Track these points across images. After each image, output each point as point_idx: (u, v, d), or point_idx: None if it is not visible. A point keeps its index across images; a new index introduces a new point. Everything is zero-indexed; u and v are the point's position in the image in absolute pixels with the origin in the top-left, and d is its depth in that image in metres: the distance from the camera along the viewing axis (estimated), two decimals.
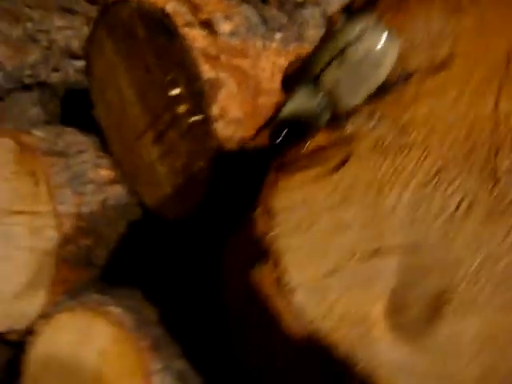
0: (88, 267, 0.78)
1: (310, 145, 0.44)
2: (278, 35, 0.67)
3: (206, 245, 0.73)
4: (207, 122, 0.65)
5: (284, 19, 0.67)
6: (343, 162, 0.45)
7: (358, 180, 0.45)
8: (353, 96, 0.40)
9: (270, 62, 0.67)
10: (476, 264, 0.41)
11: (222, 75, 0.64)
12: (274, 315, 0.49)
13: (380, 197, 0.44)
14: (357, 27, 0.39)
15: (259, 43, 0.66)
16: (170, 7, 0.63)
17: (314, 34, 0.68)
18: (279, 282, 0.48)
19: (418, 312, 0.44)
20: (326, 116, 0.40)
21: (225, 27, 0.64)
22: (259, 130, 0.54)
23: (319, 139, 0.46)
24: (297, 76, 0.44)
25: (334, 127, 0.43)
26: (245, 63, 0.65)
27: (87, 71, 0.77)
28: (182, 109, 0.66)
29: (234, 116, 0.65)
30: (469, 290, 0.42)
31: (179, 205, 0.73)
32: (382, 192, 0.44)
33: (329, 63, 0.39)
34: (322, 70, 0.40)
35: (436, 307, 0.43)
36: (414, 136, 0.42)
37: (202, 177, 0.69)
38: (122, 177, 0.78)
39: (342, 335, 0.45)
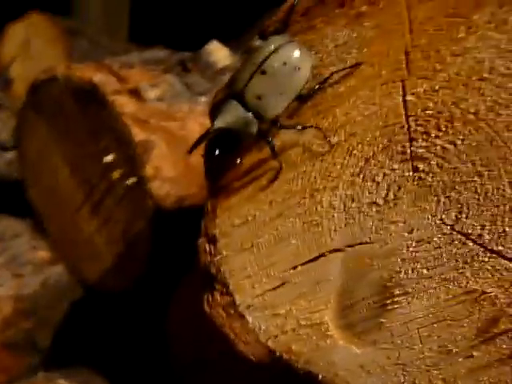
0: (31, 352, 0.75)
1: (241, 162, 0.47)
2: (203, 99, 0.71)
3: (151, 308, 0.72)
4: (142, 183, 0.67)
5: (207, 84, 0.72)
6: (275, 176, 0.48)
7: (291, 190, 0.47)
8: (275, 105, 0.43)
9: (198, 123, 0.70)
10: (411, 249, 0.44)
11: (153, 137, 0.66)
12: (229, 341, 0.49)
13: (314, 202, 0.46)
14: (272, 45, 0.43)
15: (185, 107, 0.70)
16: (97, 78, 0.66)
17: None
18: (230, 306, 0.49)
19: (366, 308, 0.45)
20: (255, 126, 0.43)
21: (151, 94, 0.68)
22: None
23: (249, 159, 0.49)
24: (216, 106, 0.47)
25: (261, 143, 0.46)
26: (173, 125, 0.68)
27: (20, 155, 0.78)
28: (116, 174, 0.68)
29: (167, 175, 0.67)
30: (409, 275, 0.44)
31: (121, 274, 0.73)
32: (315, 197, 0.46)
33: (250, 78, 0.43)
34: (245, 86, 0.43)
35: (381, 300, 0.45)
36: (337, 139, 0.45)
37: (143, 240, 0.69)
38: (61, 256, 0.78)
39: (298, 348, 0.46)
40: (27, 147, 0.77)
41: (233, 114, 0.42)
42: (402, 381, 0.43)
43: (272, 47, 0.41)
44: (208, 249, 0.50)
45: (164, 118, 0.68)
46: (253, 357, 0.49)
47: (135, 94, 0.67)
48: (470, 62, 0.40)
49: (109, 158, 0.67)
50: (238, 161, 0.43)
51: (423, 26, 0.41)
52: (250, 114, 0.42)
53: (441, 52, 0.41)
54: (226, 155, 0.44)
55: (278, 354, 0.47)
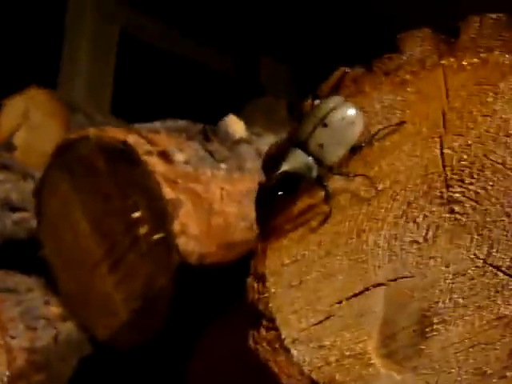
0: None
1: (296, 206, 0.52)
2: (223, 165, 0.77)
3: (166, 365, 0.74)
4: (169, 238, 0.71)
5: (226, 153, 0.78)
6: (325, 220, 0.53)
7: (339, 231, 0.53)
8: (333, 153, 0.49)
9: (219, 187, 0.76)
10: (448, 281, 0.50)
11: (181, 196, 0.71)
12: (273, 376, 0.52)
13: (360, 241, 0.52)
14: (331, 103, 0.50)
15: (208, 171, 0.75)
16: (130, 139, 0.71)
17: (251, 165, 0.79)
18: (275, 341, 0.53)
19: (406, 336, 0.50)
20: (315, 171, 0.49)
21: (179, 157, 0.73)
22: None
23: (299, 205, 0.55)
24: (276, 157, 0.54)
25: (313, 189, 0.52)
26: (198, 187, 0.74)
27: (37, 212, 0.81)
28: (143, 230, 0.72)
29: (193, 232, 0.72)
30: (446, 305, 0.49)
31: (137, 331, 0.75)
32: (361, 237, 0.52)
33: (313, 130, 0.50)
34: (309, 136, 0.50)
35: (421, 329, 0.50)
36: (382, 186, 0.51)
37: (164, 297, 0.73)
38: (72, 313, 0.80)
39: (341, 378, 0.50)
40: (47, 205, 0.80)
41: (297, 160, 0.48)
42: None
43: (331, 105, 0.49)
44: (256, 287, 0.54)
45: (191, 180, 0.73)
46: None
47: (164, 156, 0.72)
48: (498, 121, 0.48)
49: (137, 214, 0.71)
50: (296, 202, 0.49)
51: (458, 92, 0.49)
52: (312, 160, 0.48)
53: (473, 113, 0.49)
54: (286, 197, 0.49)
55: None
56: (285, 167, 0.48)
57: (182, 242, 0.70)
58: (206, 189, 0.74)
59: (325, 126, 0.49)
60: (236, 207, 0.74)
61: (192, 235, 0.71)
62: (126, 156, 0.72)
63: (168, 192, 0.70)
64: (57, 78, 1.86)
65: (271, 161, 0.53)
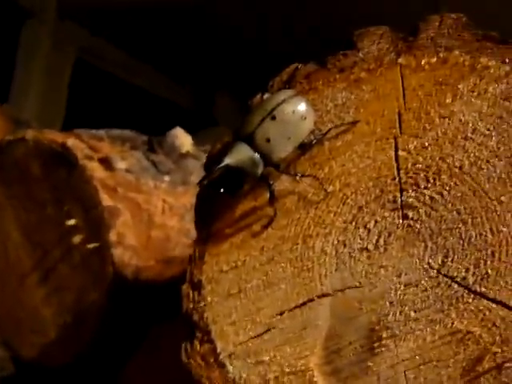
0: None
1: (239, 208, 0.48)
2: (167, 178, 0.73)
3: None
4: (104, 248, 0.66)
5: (171, 165, 0.74)
6: (269, 223, 0.49)
7: (284, 236, 0.49)
8: (281, 149, 0.46)
9: (161, 199, 0.71)
10: (399, 292, 0.46)
11: (119, 205, 0.67)
12: None
13: (306, 248, 0.48)
14: (282, 96, 0.47)
15: (151, 182, 0.71)
16: (69, 142, 0.67)
17: (197, 180, 0.75)
18: (210, 355, 0.48)
19: (353, 352, 0.46)
20: (261, 168, 0.46)
21: (121, 164, 0.69)
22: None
23: (242, 207, 0.51)
24: (219, 153, 0.50)
25: (258, 190, 0.48)
26: (139, 197, 0.69)
27: None
28: (77, 239, 0.67)
29: (130, 243, 0.67)
30: (397, 318, 0.45)
31: (66, 349, 0.69)
32: (307, 243, 0.48)
33: (260, 123, 0.46)
34: (255, 129, 0.46)
35: (369, 344, 0.46)
36: (332, 188, 0.48)
37: (96, 311, 0.67)
38: None
39: None
40: None
41: (242, 154, 0.44)
42: None
43: (282, 98, 0.45)
44: (192, 295, 0.50)
45: (131, 189, 0.69)
46: None
47: (105, 162, 0.68)
48: (456, 124, 0.45)
49: (71, 222, 0.66)
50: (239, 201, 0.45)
51: (415, 92, 0.47)
52: (257, 154, 0.45)
53: (430, 114, 0.46)
54: (227, 197, 0.46)
55: None
56: (227, 161, 0.44)
57: (117, 253, 0.65)
58: (147, 200, 0.69)
59: (273, 118, 0.46)
60: (178, 221, 0.70)
61: (129, 246, 0.66)
62: (63, 160, 0.67)
63: (106, 199, 0.66)
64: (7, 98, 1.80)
65: (214, 157, 0.49)
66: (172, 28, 2.02)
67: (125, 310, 0.67)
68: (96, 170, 0.66)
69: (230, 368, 0.48)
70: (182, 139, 0.77)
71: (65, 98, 1.89)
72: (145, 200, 0.70)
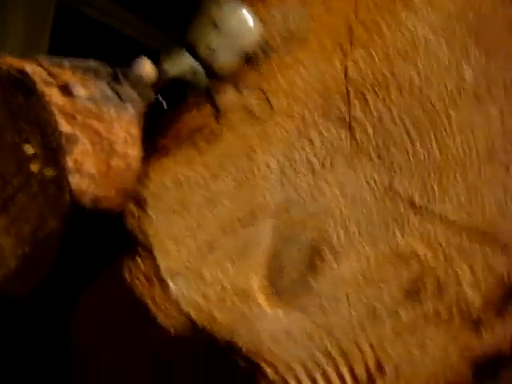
0: None
1: (184, 124, 0.47)
2: (131, 108, 0.71)
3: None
4: (61, 176, 0.65)
5: (135, 95, 0.72)
6: (214, 139, 0.48)
7: (229, 153, 0.47)
8: (225, 61, 0.44)
9: (124, 129, 0.70)
10: (343, 209, 0.45)
11: (78, 132, 0.65)
12: (150, 317, 0.47)
13: (251, 163, 0.47)
14: (226, 4, 0.45)
15: (113, 111, 0.69)
16: (29, 68, 0.65)
17: None
18: (152, 272, 0.47)
19: (295, 272, 0.45)
20: (203, 80, 0.44)
21: (81, 92, 0.67)
22: None
23: (188, 122, 0.49)
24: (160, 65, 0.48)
25: (203, 105, 0.47)
26: (100, 126, 0.67)
27: None
28: (34, 168, 0.65)
29: (88, 171, 0.65)
30: (340, 236, 0.44)
31: (27, 278, 0.69)
32: (252, 159, 0.47)
33: (203, 32, 0.44)
34: (197, 38, 0.44)
35: (311, 263, 0.45)
36: (279, 104, 0.46)
37: (54, 240, 0.66)
38: None
39: (222, 318, 0.44)
40: None
41: (182, 62, 0.43)
42: (329, 348, 0.43)
43: (227, 7, 0.44)
44: (136, 213, 0.49)
45: (92, 117, 0.67)
46: (173, 329, 0.47)
47: (65, 89, 0.66)
48: (407, 37, 0.44)
49: (29, 150, 0.65)
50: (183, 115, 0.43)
51: (367, 6, 0.45)
52: (199, 64, 0.43)
53: (381, 27, 0.44)
54: (172, 111, 0.44)
55: (200, 325, 0.45)
56: (166, 66, 0.42)
57: (75, 181, 0.64)
58: (108, 128, 0.68)
59: (216, 27, 0.44)
60: (140, 151, 0.68)
61: (87, 174, 0.65)
62: (21, 86, 0.65)
63: (64, 125, 0.64)
64: None
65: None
66: None
67: (84, 240, 0.66)
68: (54, 96, 0.64)
69: (173, 286, 0.47)
70: (147, 69, 0.74)
71: (47, 43, 1.86)
72: (106, 129, 0.68)
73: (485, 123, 0.42)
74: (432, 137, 0.42)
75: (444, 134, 0.43)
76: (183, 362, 0.46)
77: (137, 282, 0.47)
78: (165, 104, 0.43)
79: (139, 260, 0.47)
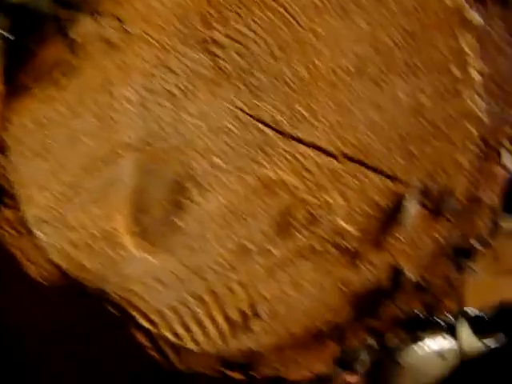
0: None
1: (42, 59, 0.43)
2: None
3: None
4: None
5: None
6: (72, 74, 0.44)
7: (88, 87, 0.44)
8: None
9: None
10: (207, 140, 0.41)
11: None
12: (18, 267, 0.44)
13: (111, 97, 0.43)
14: None
15: None
16: None
17: None
18: (18, 221, 0.44)
19: (160, 209, 0.42)
20: (48, 6, 0.40)
21: None
22: None
23: (44, 56, 0.45)
24: None
25: (58, 37, 0.43)
26: None
27: None
28: None
29: None
30: (205, 169, 0.41)
31: None
32: (112, 92, 0.43)
33: None
34: None
35: (176, 199, 0.42)
36: (135, 29, 0.43)
37: None
38: None
39: (91, 265, 0.41)
40: None
41: None
42: (200, 289, 0.40)
43: None
44: None
45: None
46: (44, 281, 0.44)
47: None
48: None
49: None
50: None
51: None
52: None
53: None
54: (27, 46, 0.40)
55: (70, 273, 0.43)
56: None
57: None
58: None
59: None
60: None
61: None
62: None
63: None
64: None
65: None
66: None
67: None
68: None
69: (40, 235, 0.44)
70: None
71: None
72: None
73: (354, 37, 0.39)
74: (299, 56, 0.39)
75: (311, 51, 0.39)
76: (58, 315, 0.44)
77: (2, 231, 0.44)
78: (10, 36, 0.39)
79: (4, 209, 0.43)
